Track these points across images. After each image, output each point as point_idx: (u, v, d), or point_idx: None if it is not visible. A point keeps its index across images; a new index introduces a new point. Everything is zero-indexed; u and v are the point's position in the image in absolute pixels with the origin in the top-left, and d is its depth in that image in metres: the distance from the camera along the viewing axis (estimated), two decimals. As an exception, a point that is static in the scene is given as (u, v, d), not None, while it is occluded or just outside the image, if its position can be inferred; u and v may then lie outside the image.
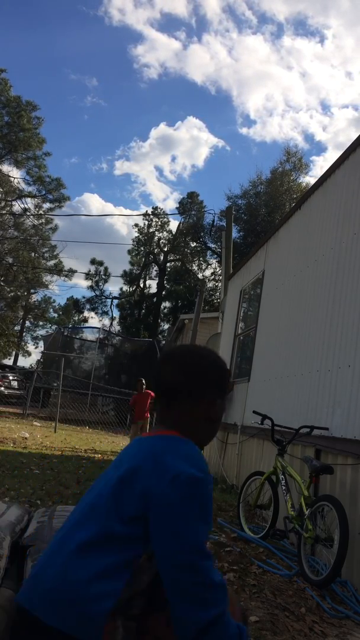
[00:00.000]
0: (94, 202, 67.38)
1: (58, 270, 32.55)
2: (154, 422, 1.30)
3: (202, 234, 34.78)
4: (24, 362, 51.23)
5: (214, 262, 35.83)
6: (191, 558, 1.02)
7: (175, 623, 1.02)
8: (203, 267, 37.64)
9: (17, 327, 36.28)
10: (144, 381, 10.30)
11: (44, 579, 1.11)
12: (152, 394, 10.71)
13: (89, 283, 40.22)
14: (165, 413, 1.27)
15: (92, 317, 42.03)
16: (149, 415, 10.35)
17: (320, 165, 57.53)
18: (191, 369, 1.27)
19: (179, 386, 1.26)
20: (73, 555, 1.10)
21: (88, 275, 38.99)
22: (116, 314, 40.39)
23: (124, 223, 71.59)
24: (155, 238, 39.03)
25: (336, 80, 63.64)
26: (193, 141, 64.29)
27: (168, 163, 70.46)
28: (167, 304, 38.88)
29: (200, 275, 36.55)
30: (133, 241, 39.52)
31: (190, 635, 0.98)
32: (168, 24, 61.49)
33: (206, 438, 1.29)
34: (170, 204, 71.64)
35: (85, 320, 42.14)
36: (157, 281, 38.47)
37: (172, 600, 1.02)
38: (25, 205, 30.01)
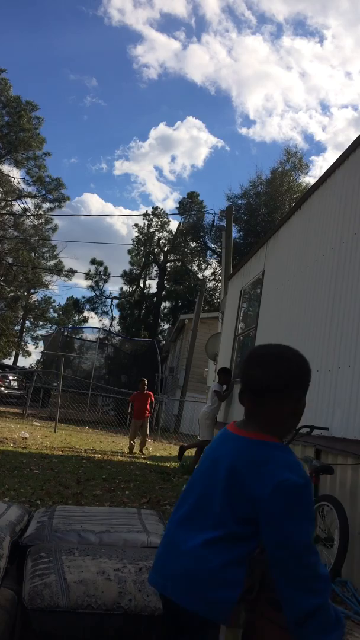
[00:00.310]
0: (94, 202, 67.44)
1: (58, 270, 32.57)
2: (244, 416, 1.35)
3: (202, 234, 34.78)
4: (24, 362, 51.17)
5: (214, 262, 35.84)
6: (299, 555, 1.16)
7: (285, 609, 1.18)
8: (203, 267, 37.65)
9: (17, 327, 36.29)
10: (146, 382, 10.42)
11: (174, 571, 1.29)
12: (152, 395, 10.74)
13: (89, 283, 40.25)
14: (255, 410, 1.37)
15: (92, 317, 42.05)
16: (148, 414, 10.40)
17: (320, 165, 57.58)
18: (283, 370, 1.39)
19: (271, 386, 1.36)
20: (199, 548, 1.26)
21: (88, 275, 39.01)
22: (116, 314, 40.42)
23: (124, 223, 71.66)
24: (155, 238, 39.03)
25: (335, 80, 63.74)
26: (192, 141, 64.35)
27: (167, 163, 70.53)
28: (167, 304, 38.88)
29: (200, 275, 36.55)
30: (133, 241, 39.54)
31: (299, 619, 1.15)
32: (167, 24, 61.54)
33: (289, 431, 1.45)
34: (170, 204, 71.67)
35: (85, 320, 42.16)
36: (157, 281, 38.47)
37: (283, 589, 1.17)
38: (25, 205, 30.03)
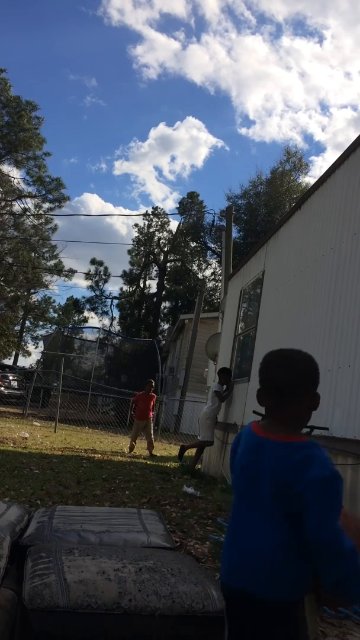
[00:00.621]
0: (94, 202, 67.49)
1: (58, 270, 32.56)
2: (265, 417, 1.47)
3: (202, 234, 34.78)
4: (24, 362, 51.20)
5: (214, 262, 35.85)
6: (333, 535, 1.38)
7: (322, 578, 1.41)
8: (203, 267, 37.66)
9: (17, 327, 36.30)
10: (153, 383, 10.43)
11: (248, 567, 1.47)
12: (155, 396, 10.73)
13: (89, 283, 40.26)
14: (277, 410, 1.57)
15: (92, 318, 42.06)
16: (151, 415, 10.40)
17: (320, 165, 57.62)
18: (302, 371, 1.57)
19: (293, 387, 1.54)
20: (273, 548, 1.46)
21: (88, 275, 39.02)
22: (116, 314, 40.43)
23: (124, 223, 71.70)
24: (155, 238, 39.03)
25: (335, 80, 63.78)
26: (192, 141, 64.39)
27: (167, 163, 70.57)
28: (167, 304, 38.89)
29: (200, 275, 36.55)
30: (133, 241, 39.56)
31: (334, 584, 1.37)
32: (167, 24, 61.60)
33: (306, 424, 1.62)
34: (169, 204, 71.73)
35: (85, 320, 42.17)
36: (157, 281, 38.47)
37: (320, 563, 1.39)
38: (25, 205, 30.03)
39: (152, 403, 10.35)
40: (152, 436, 10.39)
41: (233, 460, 1.69)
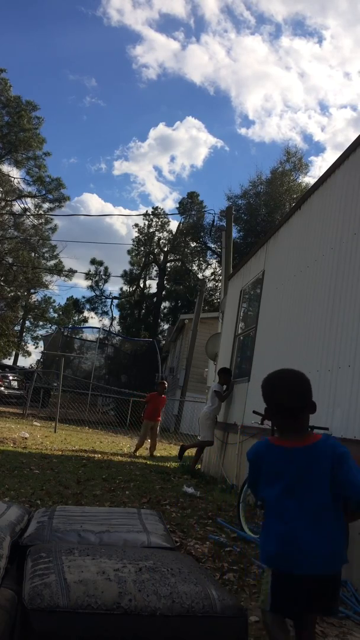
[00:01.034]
0: (93, 202, 67.52)
1: (58, 270, 32.56)
2: (282, 432, 1.70)
3: (202, 234, 34.78)
4: (24, 362, 51.19)
5: (214, 262, 35.85)
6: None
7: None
8: (203, 267, 37.66)
9: (17, 327, 36.29)
10: (166, 384, 10.41)
11: (317, 554, 1.83)
12: (165, 398, 10.69)
13: (88, 283, 40.26)
14: (296, 422, 2.05)
15: (91, 318, 42.06)
16: (160, 419, 10.37)
17: (319, 165, 57.65)
18: (305, 391, 2.08)
19: (302, 404, 2.05)
20: (330, 529, 1.86)
21: (88, 275, 39.02)
22: (116, 314, 40.43)
23: (123, 223, 71.72)
24: (155, 238, 39.04)
25: (334, 80, 63.79)
26: (192, 141, 64.41)
27: (167, 163, 70.63)
28: (167, 304, 38.89)
29: (200, 275, 36.56)
30: (133, 241, 39.57)
31: None
32: (166, 24, 61.63)
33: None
34: (169, 204, 71.77)
35: (85, 320, 42.17)
36: (157, 281, 38.48)
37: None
38: (25, 205, 30.03)
39: (162, 406, 10.32)
40: (157, 437, 10.37)
41: (260, 471, 2.02)
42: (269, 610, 1.90)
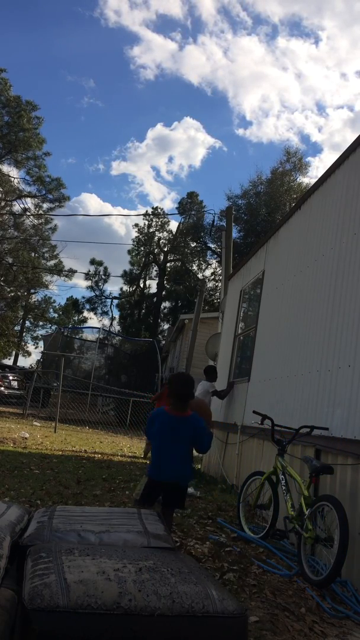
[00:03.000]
0: (92, 202, 67.49)
1: (58, 270, 32.56)
2: (174, 407, 3.58)
3: (202, 234, 34.76)
4: (24, 362, 51.21)
5: (214, 262, 35.80)
6: (210, 441, 3.59)
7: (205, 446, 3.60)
8: (203, 267, 37.61)
9: (17, 327, 36.29)
10: None
11: (171, 471, 3.39)
12: None
13: (88, 283, 40.22)
14: (182, 403, 3.47)
15: (91, 318, 42.04)
16: None
17: (316, 166, 57.61)
18: (191, 386, 3.64)
19: (188, 392, 3.53)
20: (184, 463, 3.46)
21: (88, 275, 38.99)
22: (116, 314, 40.40)
23: (122, 223, 71.69)
24: (155, 238, 39.01)
25: (331, 81, 63.66)
26: (190, 142, 64.36)
27: (165, 163, 70.62)
28: (167, 304, 38.86)
29: (200, 275, 36.52)
30: (133, 241, 39.52)
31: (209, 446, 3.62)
32: (164, 25, 61.45)
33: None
34: (167, 204, 71.82)
35: (85, 320, 42.16)
36: (157, 281, 38.45)
37: (206, 445, 3.57)
38: (25, 205, 30.03)
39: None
40: None
41: (153, 425, 3.53)
42: (138, 499, 3.68)
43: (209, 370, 8.04)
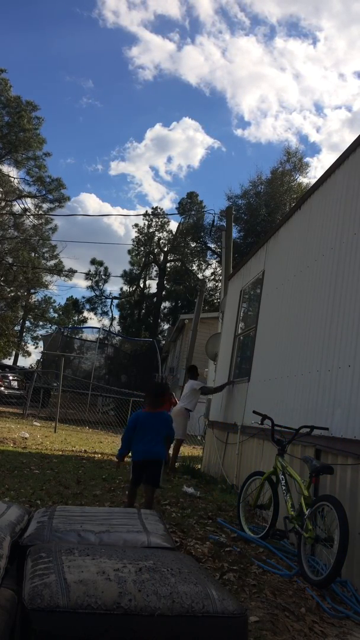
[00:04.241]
0: (91, 203, 67.48)
1: (58, 270, 32.55)
2: (150, 405, 4.70)
3: (202, 234, 34.76)
4: (24, 362, 51.15)
5: (214, 262, 35.83)
6: (173, 435, 4.82)
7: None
8: (203, 267, 37.64)
9: (17, 327, 36.28)
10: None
11: (150, 451, 4.40)
12: (172, 399, 10.67)
13: (88, 283, 40.23)
14: (156, 402, 4.62)
15: (91, 318, 42.04)
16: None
17: (315, 166, 57.58)
18: (166, 390, 5.12)
19: (161, 394, 4.75)
20: (160, 448, 4.50)
21: (88, 275, 38.99)
22: (116, 314, 40.40)
23: (121, 223, 71.69)
24: (155, 238, 39.02)
25: (329, 81, 63.59)
26: (188, 142, 64.37)
27: (164, 163, 70.65)
28: (167, 304, 38.87)
29: (200, 275, 36.54)
30: (133, 241, 39.54)
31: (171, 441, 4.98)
32: (162, 25, 61.49)
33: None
34: (166, 204, 71.82)
35: (85, 320, 42.16)
36: (157, 281, 38.46)
37: (171, 433, 4.67)
38: (25, 205, 30.02)
39: (171, 406, 10.28)
40: None
41: (137, 422, 4.47)
42: (130, 481, 4.58)
43: (191, 369, 8.69)
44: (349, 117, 62.91)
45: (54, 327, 36.92)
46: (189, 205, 37.43)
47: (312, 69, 62.08)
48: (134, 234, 49.58)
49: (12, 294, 29.98)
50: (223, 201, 36.23)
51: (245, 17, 58.49)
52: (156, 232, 39.04)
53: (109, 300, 40.53)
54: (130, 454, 4.54)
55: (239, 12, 59.05)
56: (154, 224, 38.82)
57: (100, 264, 40.06)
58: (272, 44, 59.99)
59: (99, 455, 8.69)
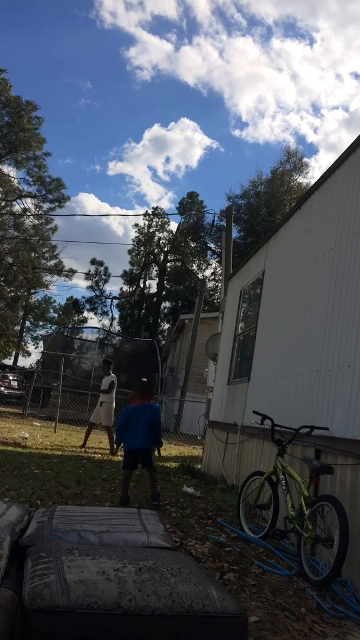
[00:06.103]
0: (90, 203, 67.55)
1: (58, 270, 32.55)
2: (140, 399, 5.39)
3: (202, 234, 34.75)
4: (24, 362, 51.21)
5: (214, 262, 35.80)
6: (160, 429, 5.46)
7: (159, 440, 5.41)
8: (203, 267, 37.62)
9: (17, 327, 36.28)
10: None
11: (139, 441, 5.16)
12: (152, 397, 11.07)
13: (88, 283, 40.22)
14: (143, 396, 5.35)
15: (91, 318, 42.03)
16: None
17: (312, 166, 57.51)
18: (150, 386, 6.23)
19: (150, 389, 5.81)
20: (147, 437, 5.23)
21: (88, 275, 38.98)
22: (116, 314, 40.39)
23: (120, 223, 71.75)
24: (155, 238, 39.01)
25: (326, 82, 63.69)
26: (187, 142, 64.45)
27: (162, 164, 70.72)
28: (167, 304, 38.86)
29: (200, 275, 36.52)
30: (133, 241, 39.54)
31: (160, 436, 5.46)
32: (159, 26, 61.60)
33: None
34: (165, 204, 71.92)
35: (85, 320, 42.15)
36: (157, 281, 38.45)
37: (158, 434, 5.36)
38: (25, 205, 30.02)
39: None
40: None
41: (127, 413, 5.22)
42: (123, 467, 5.22)
43: (107, 362, 10.55)
44: (346, 117, 62.98)
45: (54, 327, 36.97)
46: (189, 205, 37.43)
47: (309, 70, 62.19)
48: (133, 234, 49.72)
49: (12, 294, 29.98)
50: (222, 201, 36.38)
51: (242, 18, 58.60)
52: (156, 232, 39.04)
53: (109, 300, 40.53)
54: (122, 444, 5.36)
55: (236, 12, 59.19)
56: (154, 224, 38.82)
57: (100, 264, 40.07)
58: (268, 44, 60.11)
59: (99, 455, 8.69)
